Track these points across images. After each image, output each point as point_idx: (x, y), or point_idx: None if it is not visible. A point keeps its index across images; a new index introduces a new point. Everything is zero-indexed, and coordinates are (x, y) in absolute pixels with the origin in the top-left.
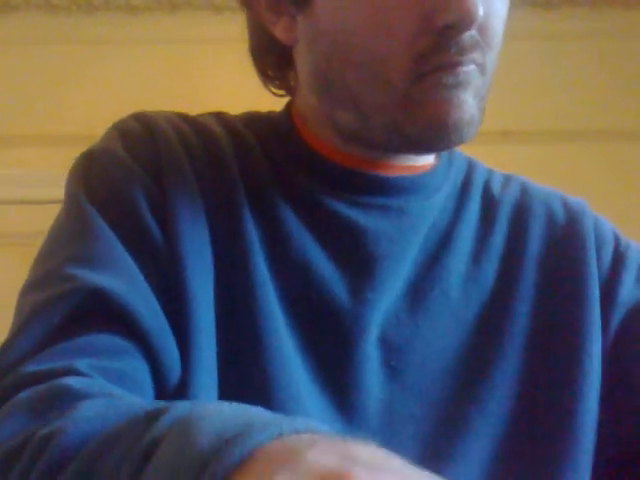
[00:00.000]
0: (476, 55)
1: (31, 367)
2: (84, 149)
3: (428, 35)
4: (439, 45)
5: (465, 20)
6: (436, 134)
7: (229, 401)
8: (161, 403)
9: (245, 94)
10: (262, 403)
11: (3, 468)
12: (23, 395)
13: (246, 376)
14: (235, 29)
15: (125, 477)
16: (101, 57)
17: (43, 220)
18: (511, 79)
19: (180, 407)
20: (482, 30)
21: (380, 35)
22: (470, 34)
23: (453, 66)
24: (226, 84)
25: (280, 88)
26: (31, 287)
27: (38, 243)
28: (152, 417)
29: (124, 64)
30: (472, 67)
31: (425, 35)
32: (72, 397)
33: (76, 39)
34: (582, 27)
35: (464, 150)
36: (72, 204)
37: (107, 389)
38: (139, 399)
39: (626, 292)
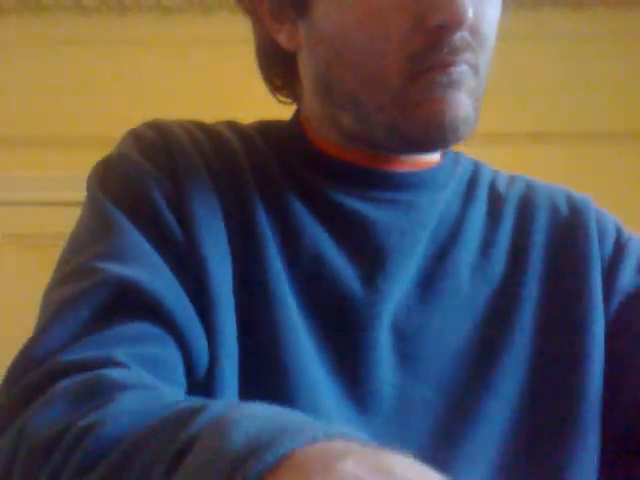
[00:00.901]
0: (468, 55)
1: (67, 356)
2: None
3: (421, 35)
4: (432, 45)
5: (455, 20)
6: (433, 133)
7: (248, 391)
8: (198, 400)
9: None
10: (278, 391)
11: (41, 456)
12: (61, 385)
13: (263, 366)
14: None
15: (158, 474)
16: (132, 58)
17: (65, 222)
18: (540, 80)
19: (216, 407)
20: (473, 32)
21: (375, 36)
22: (461, 35)
23: (446, 66)
24: (257, 85)
25: (287, 97)
26: (57, 284)
27: (60, 244)
28: (188, 415)
29: (155, 65)
30: (465, 67)
31: (418, 35)
32: (110, 388)
33: (106, 40)
34: (611, 28)
35: (492, 152)
36: (93, 206)
37: (145, 380)
38: (177, 392)
39: (625, 281)
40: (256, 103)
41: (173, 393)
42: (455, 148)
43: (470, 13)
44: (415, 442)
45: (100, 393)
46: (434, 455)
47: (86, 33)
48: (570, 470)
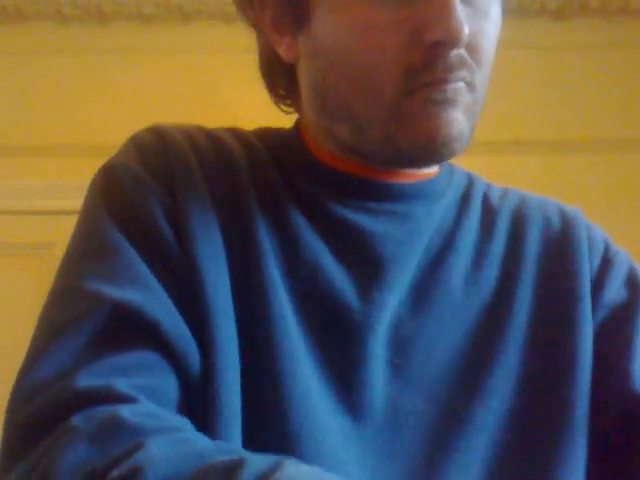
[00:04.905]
0: (464, 73)
1: (71, 385)
2: (97, 159)
3: (417, 51)
4: (427, 62)
5: (451, 38)
6: (426, 148)
7: (246, 399)
8: (231, 451)
9: (256, 104)
10: (273, 399)
11: None
12: (76, 422)
13: (260, 374)
14: (245, 39)
15: None
16: (113, 66)
17: (60, 231)
18: (522, 89)
19: (254, 463)
20: (471, 49)
21: (372, 50)
22: (457, 53)
23: (440, 83)
24: (237, 94)
25: (290, 106)
26: (53, 302)
27: (55, 253)
28: (229, 471)
29: (136, 73)
30: (460, 85)
31: (415, 50)
32: (131, 432)
33: (88, 48)
34: (593, 38)
35: (476, 159)
36: (92, 218)
37: (162, 422)
38: (200, 438)
39: (610, 295)
40: (236, 112)
41: (198, 437)
42: None
43: (466, 30)
44: (406, 452)
45: (120, 436)
46: (425, 465)
47: (67, 42)
48: (560, 478)
